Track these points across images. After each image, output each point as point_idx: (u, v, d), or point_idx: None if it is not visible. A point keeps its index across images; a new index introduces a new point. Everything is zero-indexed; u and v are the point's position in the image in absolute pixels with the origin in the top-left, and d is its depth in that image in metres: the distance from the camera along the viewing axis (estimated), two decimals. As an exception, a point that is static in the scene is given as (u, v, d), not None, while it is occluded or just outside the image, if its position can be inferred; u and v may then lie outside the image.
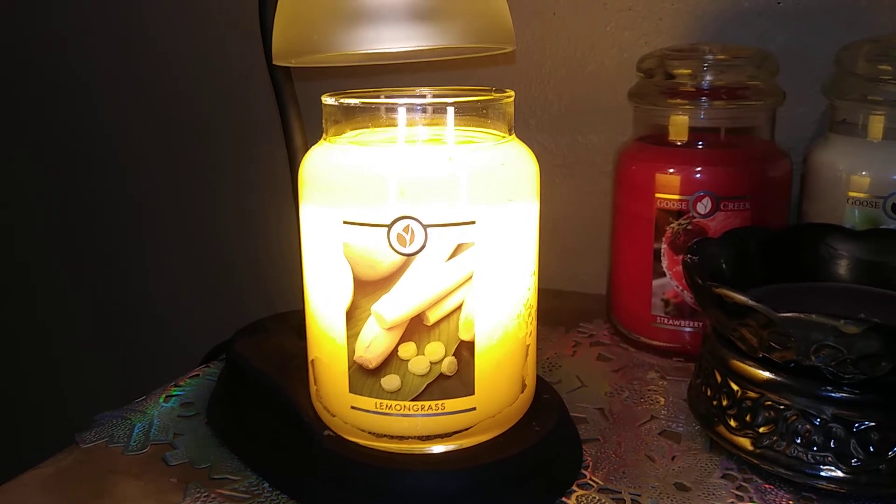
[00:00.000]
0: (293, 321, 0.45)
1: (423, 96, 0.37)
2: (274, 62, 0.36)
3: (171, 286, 0.87)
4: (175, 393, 0.47)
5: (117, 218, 0.88)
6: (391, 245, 0.33)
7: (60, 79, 0.85)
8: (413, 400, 0.35)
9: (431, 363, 0.34)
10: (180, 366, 0.52)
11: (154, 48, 0.79)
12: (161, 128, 0.81)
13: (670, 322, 0.51)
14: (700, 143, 0.50)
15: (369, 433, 0.36)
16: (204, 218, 0.83)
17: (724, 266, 0.44)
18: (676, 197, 0.49)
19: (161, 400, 0.47)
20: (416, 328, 0.34)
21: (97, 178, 0.87)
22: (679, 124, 0.50)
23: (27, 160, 0.91)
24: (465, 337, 0.34)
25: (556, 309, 0.59)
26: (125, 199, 0.86)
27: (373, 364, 0.34)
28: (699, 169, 0.49)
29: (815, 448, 0.36)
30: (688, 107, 0.50)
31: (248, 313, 0.52)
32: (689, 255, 0.42)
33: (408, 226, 0.32)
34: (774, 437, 0.37)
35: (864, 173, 0.48)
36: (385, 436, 0.36)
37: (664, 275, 0.51)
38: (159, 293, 0.88)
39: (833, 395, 0.36)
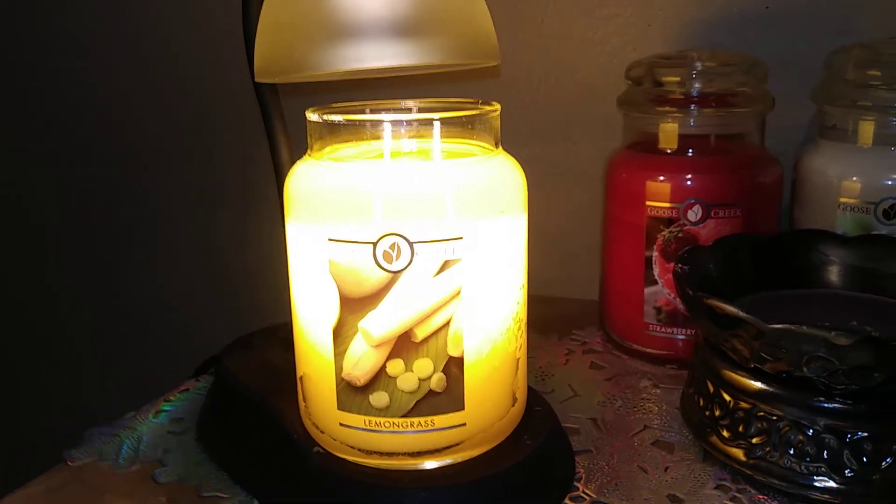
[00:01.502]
0: (282, 334, 0.45)
1: (409, 110, 0.37)
2: (256, 79, 0.35)
3: (162, 296, 0.87)
4: (165, 408, 0.47)
5: (109, 227, 0.87)
6: (377, 262, 0.32)
7: (63, 85, 0.84)
8: (402, 417, 0.34)
9: (420, 380, 0.34)
10: (172, 378, 0.52)
11: (158, 53, 0.78)
12: (158, 134, 0.81)
13: (663, 330, 0.51)
14: (690, 150, 0.50)
15: (359, 450, 0.35)
16: (197, 228, 0.82)
17: (714, 274, 0.44)
18: (667, 205, 0.49)
19: (151, 416, 0.46)
20: (403, 345, 0.34)
21: (88, 186, 0.87)
22: (668, 132, 0.50)
23: (26, 170, 0.91)
24: (453, 353, 0.34)
25: (548, 316, 0.59)
26: (117, 208, 0.86)
27: (361, 381, 0.34)
28: (689, 176, 0.49)
29: (808, 459, 0.36)
30: (677, 114, 0.50)
31: (242, 324, 0.52)
32: (679, 265, 0.42)
33: (394, 243, 0.32)
34: (767, 448, 0.37)
35: (854, 179, 0.48)
36: (375, 452, 0.35)
37: (656, 282, 0.51)
38: (151, 303, 0.88)
39: (826, 405, 0.35)
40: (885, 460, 0.35)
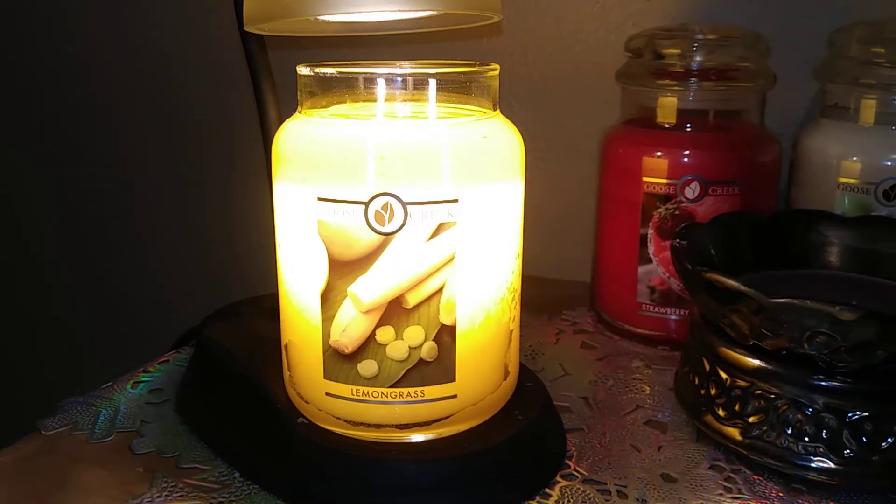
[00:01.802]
0: (267, 304, 0.44)
1: (404, 68, 0.35)
2: (245, 27, 0.34)
3: (144, 268, 0.85)
4: (143, 379, 0.46)
5: (91, 199, 0.85)
6: (369, 223, 0.31)
7: (49, 63, 0.82)
8: (391, 387, 0.33)
9: (410, 348, 0.33)
10: (151, 351, 0.50)
11: (135, 20, 0.76)
12: (138, 103, 0.79)
13: (656, 310, 0.50)
14: (688, 125, 0.49)
15: (345, 421, 0.34)
16: (182, 196, 0.80)
17: (712, 252, 0.43)
18: (664, 181, 0.48)
19: (129, 386, 0.45)
20: (394, 311, 0.32)
21: (71, 152, 0.85)
22: (667, 106, 0.49)
23: (14, 144, 0.89)
24: (445, 321, 0.33)
25: (539, 296, 0.58)
26: (99, 180, 0.84)
27: (349, 349, 0.33)
28: (687, 152, 0.48)
29: (806, 438, 0.35)
30: (677, 88, 0.49)
31: (226, 297, 0.50)
32: (677, 240, 0.41)
33: (387, 203, 0.31)
34: (764, 427, 0.36)
35: (855, 159, 0.47)
36: (361, 424, 0.34)
37: (650, 261, 0.50)
38: (131, 274, 0.86)
39: (825, 384, 0.35)
40: (885, 441, 0.34)
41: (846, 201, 0.47)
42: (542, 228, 0.62)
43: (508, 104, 0.64)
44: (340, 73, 0.32)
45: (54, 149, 0.86)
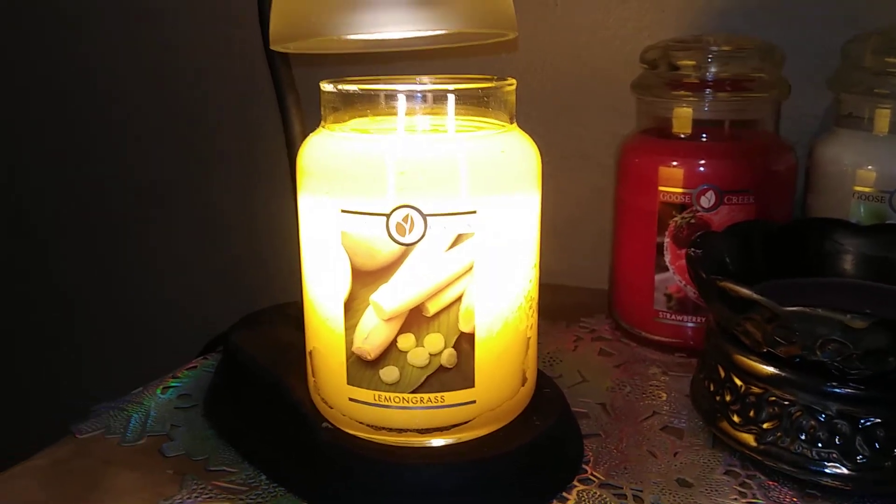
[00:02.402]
0: (292, 312, 0.45)
1: (424, 84, 0.36)
2: (271, 47, 0.35)
3: (172, 276, 0.87)
4: (173, 384, 0.47)
5: (118, 206, 0.87)
6: (390, 234, 0.32)
7: (66, 65, 0.84)
8: (412, 392, 0.34)
9: (431, 355, 0.34)
10: (180, 357, 0.52)
11: (161, 33, 0.78)
12: (167, 113, 0.81)
13: (673, 317, 0.51)
14: (704, 135, 0.50)
15: (367, 426, 0.35)
16: (207, 206, 0.82)
17: (727, 260, 0.44)
18: (680, 190, 0.49)
19: (158, 391, 0.46)
20: (415, 319, 0.33)
21: (99, 165, 0.87)
22: (683, 117, 0.50)
23: (29, 152, 0.91)
24: (465, 328, 0.34)
25: (556, 304, 0.59)
26: (127, 187, 0.86)
27: (371, 355, 0.34)
28: (703, 162, 0.48)
29: (819, 444, 0.35)
30: (692, 99, 0.49)
31: (251, 304, 0.51)
32: (692, 249, 0.42)
33: (407, 215, 0.32)
34: (778, 434, 0.37)
35: (869, 168, 0.47)
36: (383, 428, 0.35)
37: (667, 269, 0.50)
38: (159, 282, 0.88)
39: (838, 391, 0.35)
40: (898, 446, 0.34)
41: (861, 210, 0.48)
42: (558, 236, 0.62)
43: (526, 114, 0.64)
44: (362, 89, 0.33)
45: (79, 163, 0.88)
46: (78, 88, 0.84)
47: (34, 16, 0.84)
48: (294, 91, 0.41)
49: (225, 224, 0.81)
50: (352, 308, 0.34)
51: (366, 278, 0.33)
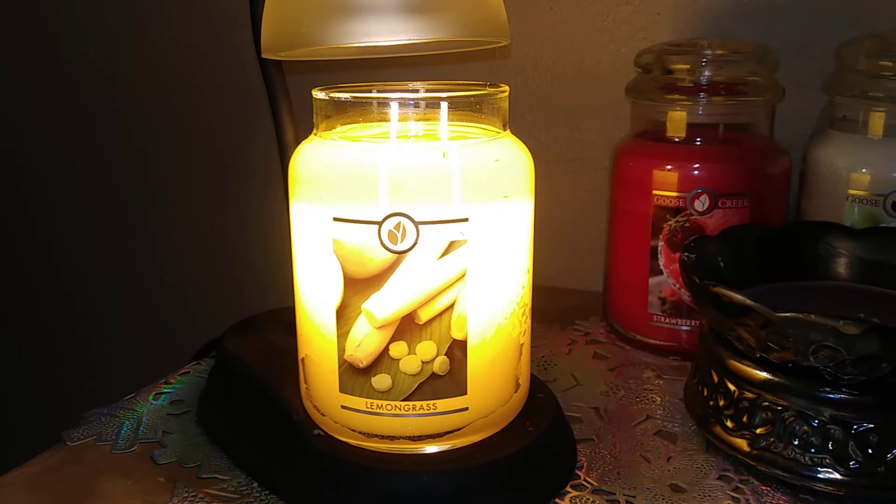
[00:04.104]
0: (285, 318, 0.45)
1: (416, 91, 0.36)
2: (263, 55, 0.35)
3: (165, 280, 0.87)
4: (165, 390, 0.47)
5: (114, 211, 0.87)
6: (382, 242, 0.32)
7: (69, 67, 0.84)
8: (404, 400, 0.34)
9: (423, 362, 0.34)
10: (173, 364, 0.51)
11: (163, 36, 0.78)
12: (166, 120, 0.81)
13: (667, 320, 0.51)
14: (698, 139, 0.50)
15: (360, 433, 0.35)
16: (200, 215, 0.82)
17: (721, 264, 0.44)
18: (674, 194, 0.49)
19: (151, 398, 0.46)
20: (407, 327, 0.33)
21: (94, 170, 0.87)
22: (677, 120, 0.50)
23: (32, 149, 0.91)
24: (457, 336, 0.34)
25: (551, 307, 0.59)
26: (123, 192, 0.86)
27: (363, 363, 0.34)
28: (697, 165, 0.48)
29: (812, 450, 0.36)
30: (686, 102, 0.49)
31: (244, 309, 0.51)
32: (686, 254, 0.42)
33: (399, 223, 0.32)
34: (772, 439, 0.37)
35: (864, 171, 0.47)
36: (376, 436, 0.35)
37: (661, 272, 0.50)
38: (153, 288, 0.88)
39: (831, 396, 0.35)
40: (890, 452, 0.34)
41: (856, 213, 0.48)
42: (553, 239, 0.62)
43: (521, 116, 0.65)
44: (354, 97, 0.33)
45: (75, 164, 0.87)
46: (81, 92, 0.84)
47: (35, 15, 0.84)
48: (287, 98, 0.41)
49: (219, 230, 0.81)
50: (344, 316, 0.34)
51: (358, 286, 0.33)
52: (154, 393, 0.46)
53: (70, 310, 0.94)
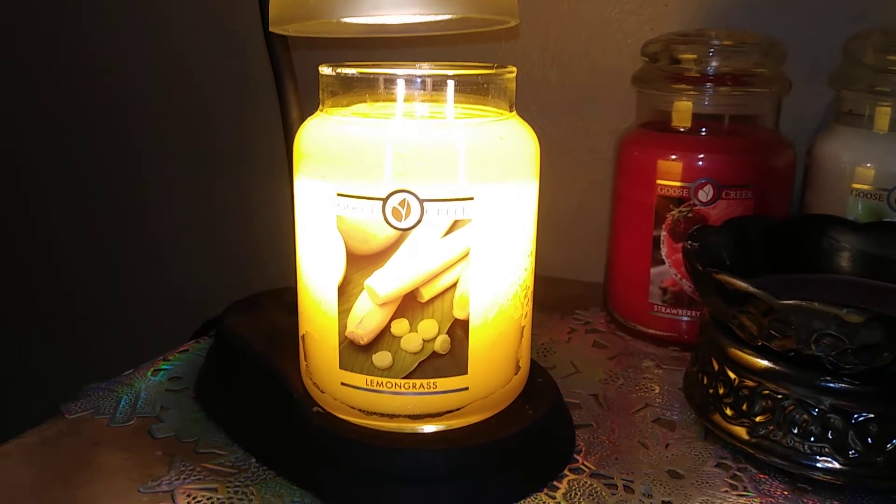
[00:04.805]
0: (286, 297, 0.45)
1: (423, 69, 0.36)
2: (270, 28, 0.35)
3: (166, 259, 0.86)
4: (163, 367, 0.47)
5: (115, 190, 0.87)
6: (386, 219, 0.32)
7: (67, 58, 0.84)
8: (405, 378, 0.34)
9: (424, 341, 0.34)
10: (172, 340, 0.51)
11: (161, 24, 0.78)
12: (164, 101, 0.80)
13: (668, 311, 0.51)
14: (703, 129, 0.50)
15: (359, 410, 0.35)
16: (201, 193, 0.82)
17: (724, 254, 0.44)
18: (678, 184, 0.49)
19: (149, 373, 0.46)
20: (409, 305, 0.33)
21: (96, 150, 0.86)
22: (682, 110, 0.50)
23: (32, 149, 0.91)
24: (459, 315, 0.34)
25: (552, 296, 0.59)
26: (123, 172, 0.86)
27: (364, 340, 0.34)
28: (701, 156, 0.48)
29: (812, 439, 0.35)
30: (692, 92, 0.49)
31: (246, 288, 0.51)
32: (689, 242, 0.42)
33: (404, 199, 0.32)
34: (771, 427, 0.37)
35: (868, 165, 0.47)
36: (375, 413, 0.35)
37: (663, 263, 0.50)
38: (154, 266, 0.87)
39: (832, 385, 0.35)
40: (890, 442, 0.34)
41: (859, 207, 0.48)
42: (555, 229, 0.62)
43: (526, 105, 0.65)
44: (361, 73, 0.33)
45: (75, 147, 0.87)
46: (79, 79, 0.84)
47: (35, 15, 0.84)
48: (292, 75, 0.41)
49: (220, 208, 0.81)
50: (346, 292, 0.33)
51: (360, 263, 0.33)
52: (152, 369, 0.46)
53: (70, 310, 0.94)
